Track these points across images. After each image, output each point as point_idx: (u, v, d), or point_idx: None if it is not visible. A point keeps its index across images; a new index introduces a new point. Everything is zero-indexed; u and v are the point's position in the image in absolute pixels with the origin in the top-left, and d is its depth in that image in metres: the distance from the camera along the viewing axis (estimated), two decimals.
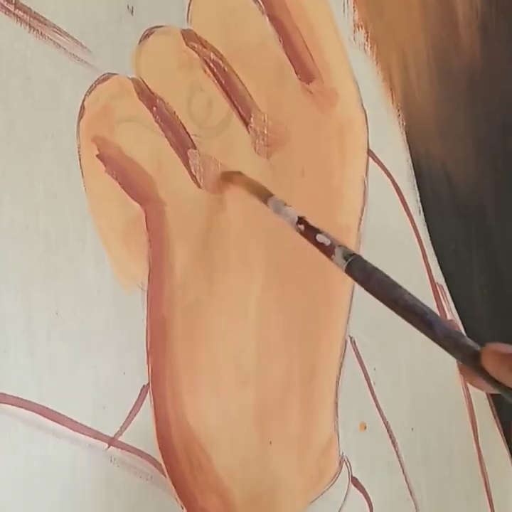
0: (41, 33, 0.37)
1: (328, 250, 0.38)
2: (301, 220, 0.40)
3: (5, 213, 0.37)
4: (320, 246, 0.38)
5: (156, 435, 0.42)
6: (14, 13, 0.37)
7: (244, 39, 0.45)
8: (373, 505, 0.52)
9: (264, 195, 0.42)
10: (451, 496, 0.57)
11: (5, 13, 0.36)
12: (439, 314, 0.55)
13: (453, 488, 0.57)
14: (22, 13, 0.37)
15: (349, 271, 0.37)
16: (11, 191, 0.37)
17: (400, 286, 0.35)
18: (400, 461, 0.54)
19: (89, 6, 0.39)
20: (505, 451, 0.61)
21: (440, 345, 0.32)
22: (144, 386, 0.42)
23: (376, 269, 0.36)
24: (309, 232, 0.39)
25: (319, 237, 0.38)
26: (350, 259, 0.37)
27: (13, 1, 0.37)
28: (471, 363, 0.31)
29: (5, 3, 0.36)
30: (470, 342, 0.32)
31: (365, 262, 0.36)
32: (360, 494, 0.52)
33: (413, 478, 0.55)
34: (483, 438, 0.59)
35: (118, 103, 0.40)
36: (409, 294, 0.34)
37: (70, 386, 0.39)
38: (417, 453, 0.55)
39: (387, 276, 0.35)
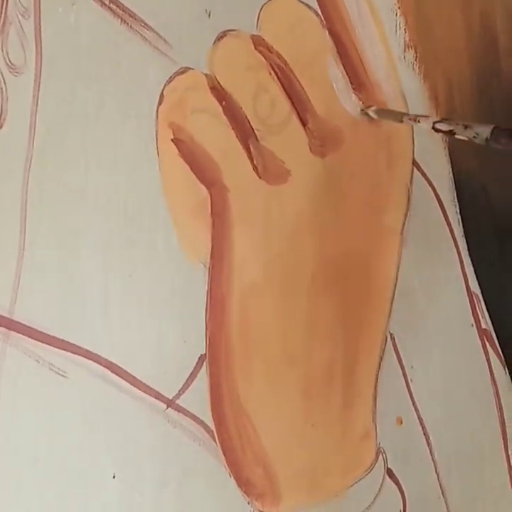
0: (131, 26, 0.42)
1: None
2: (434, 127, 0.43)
3: (91, 184, 0.41)
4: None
5: (210, 403, 0.45)
6: (109, 7, 0.41)
7: (305, 48, 0.49)
8: (407, 498, 0.54)
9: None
10: (480, 501, 0.59)
11: (101, 6, 0.41)
12: (474, 322, 0.59)
13: (482, 494, 0.59)
14: (115, 7, 0.42)
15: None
16: (97, 164, 0.41)
17: None
18: (432, 459, 0.56)
19: (173, 7, 0.44)
20: None
21: None
22: (201, 355, 0.45)
23: None
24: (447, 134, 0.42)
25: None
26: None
27: None
28: None
29: None
30: None
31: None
32: (395, 486, 0.54)
33: (444, 478, 0.57)
34: None
35: (192, 94, 0.45)
36: None
37: (136, 347, 0.42)
38: (449, 453, 0.57)
39: None
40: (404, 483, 0.54)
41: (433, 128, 0.43)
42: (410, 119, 0.44)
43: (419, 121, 0.44)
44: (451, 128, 0.41)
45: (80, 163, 0.40)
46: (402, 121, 0.45)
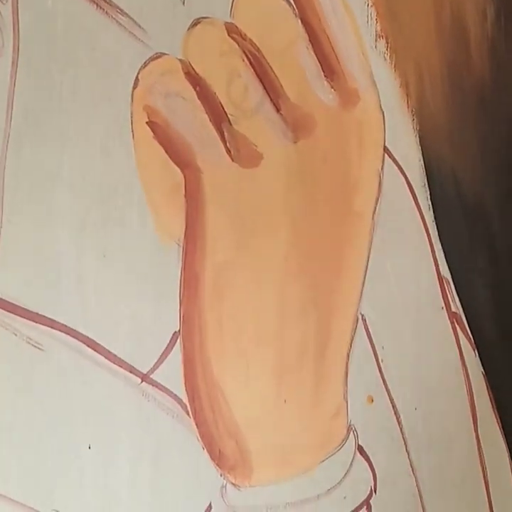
0: (107, 12, 0.44)
1: None
2: None
3: (66, 162, 0.43)
4: None
5: (183, 378, 0.47)
6: None
7: (278, 36, 0.51)
8: (377, 474, 0.56)
9: None
10: (450, 478, 0.61)
11: None
12: (444, 305, 0.60)
13: (451, 472, 0.61)
14: None
15: None
16: (72, 144, 0.43)
17: None
18: (403, 437, 0.58)
19: None
20: (503, 445, 0.64)
21: None
22: (175, 332, 0.46)
23: None
24: None
25: None
26: None
27: None
28: None
29: None
30: None
31: None
32: (365, 463, 0.55)
33: (415, 456, 0.58)
34: (482, 429, 0.63)
35: (167, 79, 0.46)
36: None
37: (111, 322, 0.44)
38: (419, 432, 0.59)
39: None
40: (374, 459, 0.56)
41: None
42: None
43: None
44: None
45: (55, 143, 0.42)
46: None
